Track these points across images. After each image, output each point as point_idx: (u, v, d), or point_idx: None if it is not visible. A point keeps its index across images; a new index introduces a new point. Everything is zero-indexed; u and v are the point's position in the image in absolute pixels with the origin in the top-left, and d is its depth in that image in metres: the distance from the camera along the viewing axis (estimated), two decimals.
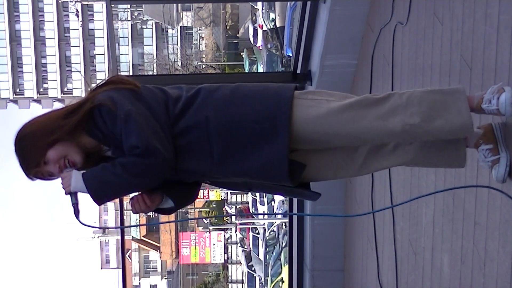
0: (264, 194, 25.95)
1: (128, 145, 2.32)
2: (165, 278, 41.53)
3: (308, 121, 2.39)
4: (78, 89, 49.21)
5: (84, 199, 2.43)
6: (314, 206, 5.52)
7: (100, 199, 2.38)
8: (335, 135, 2.41)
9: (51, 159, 2.40)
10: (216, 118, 2.39)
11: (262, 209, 27.39)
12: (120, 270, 5.80)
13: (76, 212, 2.43)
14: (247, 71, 28.66)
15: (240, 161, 2.40)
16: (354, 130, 2.40)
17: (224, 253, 33.72)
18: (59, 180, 2.46)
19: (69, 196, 2.42)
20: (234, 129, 2.38)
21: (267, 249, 23.33)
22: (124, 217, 6.81)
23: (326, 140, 2.44)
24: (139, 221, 38.86)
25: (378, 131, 2.39)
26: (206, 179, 2.55)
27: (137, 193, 2.53)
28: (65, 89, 50.05)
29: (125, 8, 45.17)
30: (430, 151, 2.55)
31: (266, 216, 26.03)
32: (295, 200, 5.78)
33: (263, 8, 24.01)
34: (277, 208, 23.77)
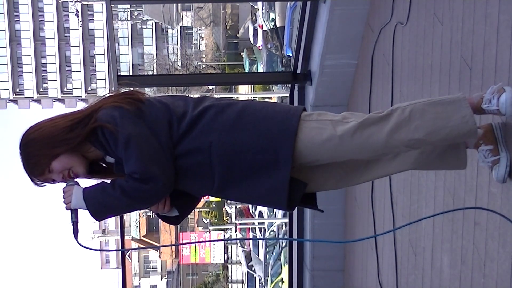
0: None
1: (128, 169, 2.37)
2: (165, 278, 41.51)
3: (311, 146, 2.40)
4: (78, 89, 49.21)
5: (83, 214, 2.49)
6: None
7: (99, 218, 2.46)
8: (338, 157, 2.46)
9: (56, 169, 2.45)
10: (219, 145, 2.39)
11: (262, 209, 27.37)
12: (120, 270, 5.80)
13: (75, 232, 2.48)
14: (247, 71, 28.65)
15: (240, 188, 2.44)
16: (357, 151, 2.42)
17: (224, 253, 33.70)
18: (61, 185, 2.52)
19: (69, 212, 2.48)
20: (236, 158, 2.39)
21: (267, 249, 23.31)
22: (124, 217, 6.80)
23: (329, 160, 2.49)
24: (139, 221, 38.90)
25: (383, 149, 2.41)
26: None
27: None
28: (65, 89, 50.04)
29: (125, 8, 45.16)
30: (431, 156, 2.56)
31: (266, 216, 26.04)
32: None
33: (263, 8, 23.99)
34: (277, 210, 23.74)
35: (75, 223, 2.47)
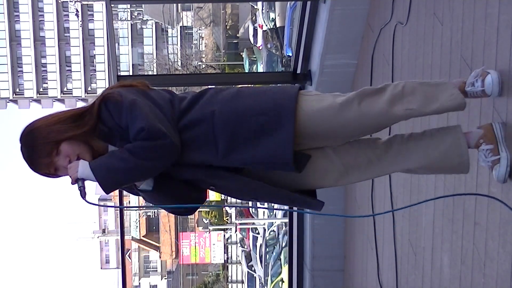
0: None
1: (134, 130, 2.34)
2: (165, 278, 41.51)
3: (313, 113, 2.45)
4: (78, 89, 49.22)
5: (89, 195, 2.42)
6: None
7: (107, 185, 2.38)
8: (340, 126, 2.48)
9: (65, 151, 2.42)
10: (221, 111, 2.43)
11: (262, 209, 27.38)
12: (120, 270, 5.80)
13: (83, 194, 2.40)
14: (247, 71, 28.65)
15: (244, 151, 2.42)
16: (358, 118, 2.48)
17: (224, 253, 33.71)
18: (63, 178, 2.48)
19: (76, 184, 2.41)
20: (239, 122, 2.42)
21: (267, 249, 23.32)
22: (124, 217, 6.81)
23: (331, 132, 2.49)
24: (139, 221, 38.91)
25: (382, 117, 2.49)
26: (210, 180, 2.53)
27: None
28: (65, 89, 50.04)
29: (125, 8, 45.17)
30: (433, 154, 2.57)
31: (266, 216, 26.04)
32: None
33: (263, 8, 24.00)
34: (277, 209, 23.78)
35: (82, 187, 2.39)
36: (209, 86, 2.66)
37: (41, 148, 2.41)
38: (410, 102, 2.49)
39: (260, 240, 25.33)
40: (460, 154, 2.54)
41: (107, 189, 2.39)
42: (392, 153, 2.58)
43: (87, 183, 2.41)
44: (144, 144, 2.33)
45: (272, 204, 2.92)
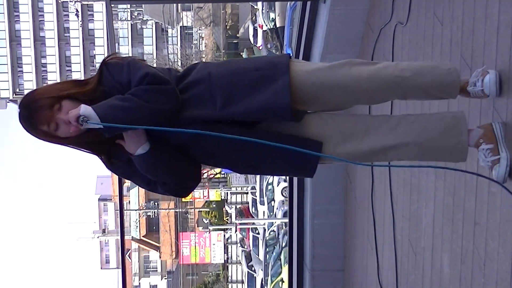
0: (265, 194, 25.97)
1: (137, 77, 2.38)
2: (165, 278, 41.52)
3: (305, 73, 2.53)
4: None
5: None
6: (313, 206, 5.53)
7: (105, 118, 2.33)
8: (330, 84, 2.52)
9: (66, 107, 2.39)
10: (217, 71, 2.51)
11: (262, 209, 27.38)
12: (120, 270, 5.80)
13: (84, 122, 2.33)
14: None
15: (241, 103, 2.46)
16: (349, 78, 2.52)
17: (224, 253, 33.71)
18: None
19: (76, 123, 2.36)
20: (235, 77, 2.49)
21: (267, 249, 23.32)
22: (124, 217, 6.82)
23: (321, 92, 2.52)
24: (139, 221, 38.91)
25: (371, 79, 2.52)
26: (205, 144, 2.50)
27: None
28: None
29: (125, 8, 45.18)
30: (432, 133, 2.55)
31: (266, 216, 26.04)
32: (295, 200, 5.78)
33: (263, 8, 24.01)
34: (277, 208, 23.77)
35: (84, 120, 2.33)
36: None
37: (43, 103, 2.39)
38: (404, 71, 2.54)
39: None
40: (458, 133, 2.52)
41: (108, 128, 2.34)
42: (391, 123, 2.56)
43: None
44: (147, 88, 2.37)
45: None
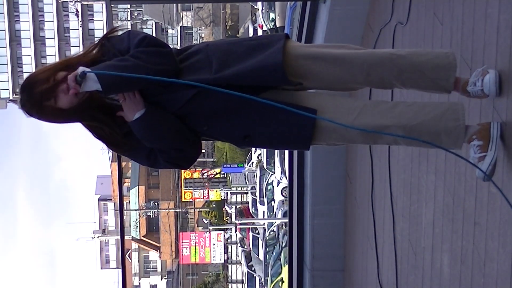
0: (265, 194, 25.96)
1: (136, 41, 2.42)
2: (165, 278, 41.52)
3: (300, 46, 2.64)
4: None
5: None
6: (313, 206, 5.53)
7: (106, 81, 2.35)
8: (326, 57, 2.54)
9: (62, 75, 2.39)
10: (215, 43, 2.63)
11: (262, 209, 27.38)
12: (120, 270, 5.80)
13: (84, 76, 2.35)
14: None
15: (236, 66, 2.49)
16: (345, 52, 2.56)
17: (224, 253, 33.71)
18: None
19: (75, 81, 2.37)
20: (232, 45, 2.57)
21: (267, 249, 23.32)
22: (124, 217, 6.82)
23: (318, 64, 2.53)
24: (139, 221, 38.91)
25: (367, 55, 2.56)
26: (200, 114, 2.53)
27: None
28: None
29: (125, 8, 45.17)
30: (429, 115, 2.54)
31: (266, 216, 26.03)
32: (295, 200, 5.78)
33: (263, 8, 24.02)
34: (277, 208, 23.77)
35: (82, 78, 2.35)
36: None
37: (39, 78, 2.40)
38: (400, 51, 2.60)
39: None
40: (456, 118, 2.51)
41: (106, 85, 2.36)
42: (391, 104, 2.57)
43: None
44: (145, 50, 2.40)
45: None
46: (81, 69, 2.37)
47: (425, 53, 2.60)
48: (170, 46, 2.52)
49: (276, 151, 21.43)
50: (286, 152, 11.39)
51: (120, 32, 2.57)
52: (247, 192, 31.98)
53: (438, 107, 2.54)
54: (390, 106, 2.55)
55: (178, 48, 2.63)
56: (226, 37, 35.24)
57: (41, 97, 2.39)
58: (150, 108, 2.48)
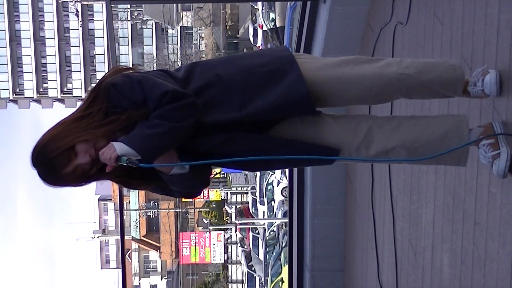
0: (265, 194, 25.97)
1: (156, 96, 2.32)
2: (165, 278, 41.53)
3: (314, 72, 2.50)
4: (78, 89, 49.22)
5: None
6: (313, 206, 5.53)
7: (147, 153, 2.31)
8: (334, 79, 2.50)
9: (81, 149, 2.35)
10: (226, 73, 2.46)
11: (262, 209, 27.39)
12: (120, 270, 5.80)
13: (135, 163, 2.30)
14: None
15: (260, 98, 2.43)
16: (352, 76, 2.51)
17: (224, 253, 33.70)
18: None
19: (118, 163, 2.32)
20: (247, 74, 2.46)
21: (267, 249, 23.33)
22: (124, 217, 6.81)
23: (326, 86, 2.50)
24: (139, 221, 38.91)
25: (375, 77, 2.51)
26: (225, 147, 2.49)
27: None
28: (65, 89, 50.05)
29: (125, 8, 45.17)
30: (434, 134, 2.54)
31: (266, 216, 26.03)
32: (295, 200, 5.78)
33: (263, 8, 24.00)
34: (277, 208, 23.77)
35: (129, 160, 2.29)
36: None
37: (59, 159, 2.34)
38: (407, 68, 2.54)
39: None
40: (460, 137, 2.51)
41: (149, 157, 2.32)
42: (394, 123, 2.56)
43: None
44: (172, 107, 2.31)
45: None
46: (118, 149, 2.30)
47: (433, 69, 2.56)
48: (189, 94, 2.37)
49: None
50: None
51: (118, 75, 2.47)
52: (247, 192, 31.98)
53: (442, 124, 2.54)
54: (394, 126, 2.55)
55: (179, 74, 2.50)
56: (226, 37, 35.23)
57: (69, 177, 2.38)
58: (192, 167, 2.44)
